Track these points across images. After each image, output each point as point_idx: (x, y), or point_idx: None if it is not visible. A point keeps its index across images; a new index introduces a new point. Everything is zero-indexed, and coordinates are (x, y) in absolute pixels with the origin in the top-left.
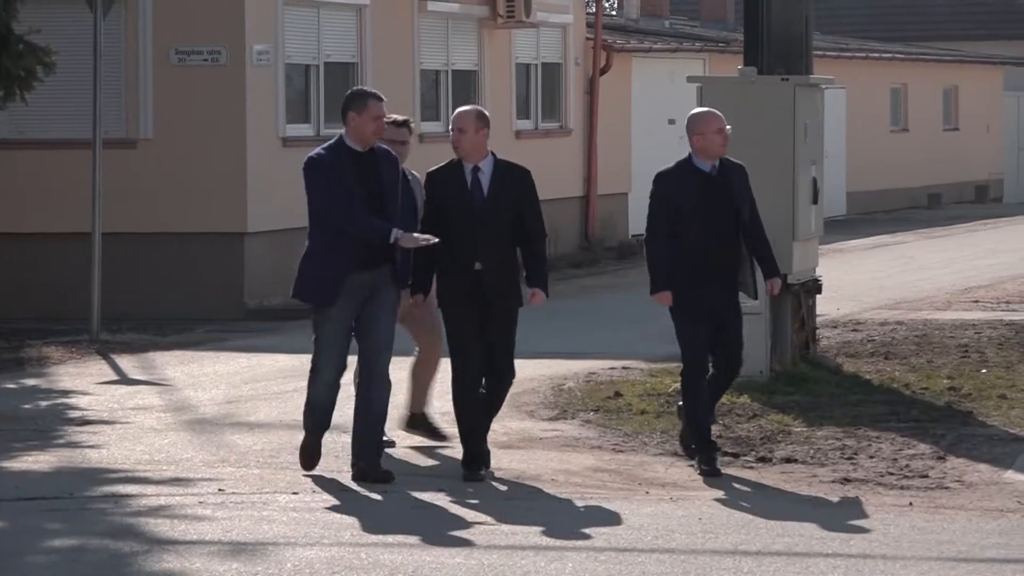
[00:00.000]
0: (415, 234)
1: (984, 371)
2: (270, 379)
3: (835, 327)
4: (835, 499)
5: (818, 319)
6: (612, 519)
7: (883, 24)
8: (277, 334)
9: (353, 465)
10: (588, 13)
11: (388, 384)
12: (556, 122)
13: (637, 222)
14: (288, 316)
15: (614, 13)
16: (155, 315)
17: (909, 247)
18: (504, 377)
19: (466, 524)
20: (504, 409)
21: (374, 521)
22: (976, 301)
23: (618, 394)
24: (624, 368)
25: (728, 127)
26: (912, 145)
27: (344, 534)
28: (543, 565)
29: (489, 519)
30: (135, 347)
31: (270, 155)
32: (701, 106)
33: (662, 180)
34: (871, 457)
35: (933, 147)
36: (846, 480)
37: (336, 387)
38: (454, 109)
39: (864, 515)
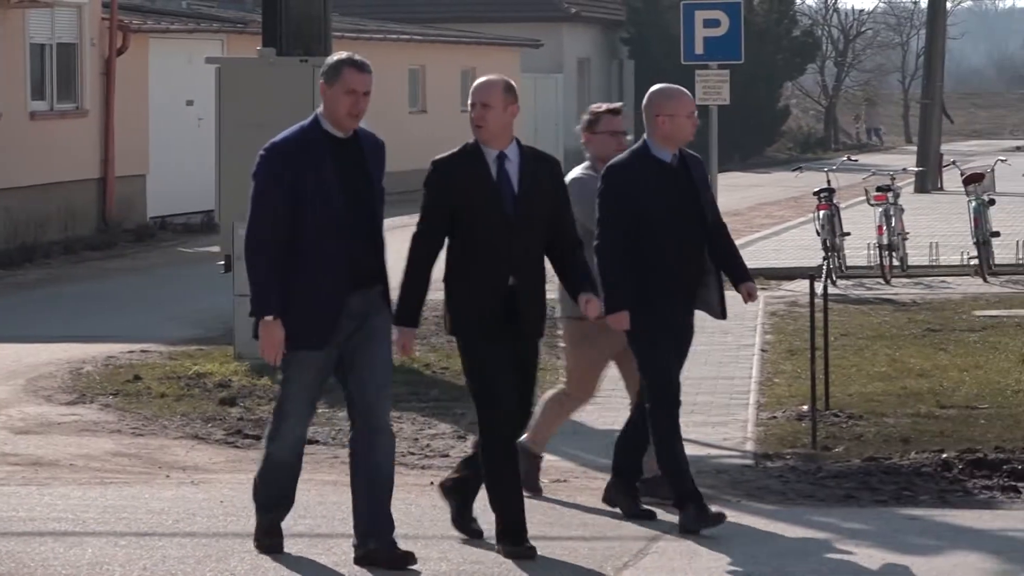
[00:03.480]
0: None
1: None
2: None
3: None
4: None
5: None
6: (133, 503)
7: (402, 6)
8: None
9: (357, 547)
10: None
11: (392, 437)
12: (72, 103)
13: (155, 204)
14: None
15: None
16: None
17: None
18: (523, 427)
19: None
20: (20, 394)
21: None
22: None
23: (137, 377)
24: (143, 351)
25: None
26: (431, 126)
27: None
28: (62, 551)
29: (5, 507)
30: None
31: None
32: (222, 88)
33: (615, 173)
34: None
35: (452, 128)
36: None
37: (303, 443)
38: None
39: None
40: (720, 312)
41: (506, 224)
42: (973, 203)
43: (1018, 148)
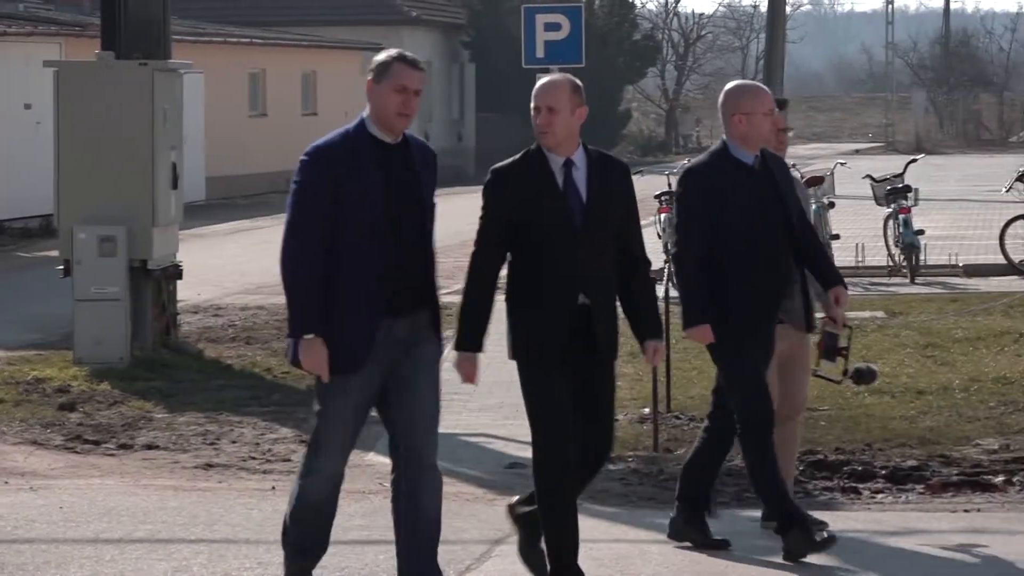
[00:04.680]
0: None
1: None
2: None
3: (196, 312)
4: (199, 485)
5: (179, 304)
6: None
7: (241, 9)
8: None
9: None
10: None
11: (440, 477)
12: None
13: None
14: None
15: None
16: None
17: (269, 231)
18: (604, 455)
19: None
20: None
21: None
22: None
23: None
24: None
25: (777, 111)
26: (271, 130)
27: None
28: None
29: None
30: None
31: None
32: (60, 91)
33: (695, 177)
34: (233, 442)
35: (292, 131)
36: (209, 465)
37: (341, 480)
38: None
39: (227, 500)
40: (805, 324)
41: (574, 237)
42: (813, 206)
43: (857, 151)
